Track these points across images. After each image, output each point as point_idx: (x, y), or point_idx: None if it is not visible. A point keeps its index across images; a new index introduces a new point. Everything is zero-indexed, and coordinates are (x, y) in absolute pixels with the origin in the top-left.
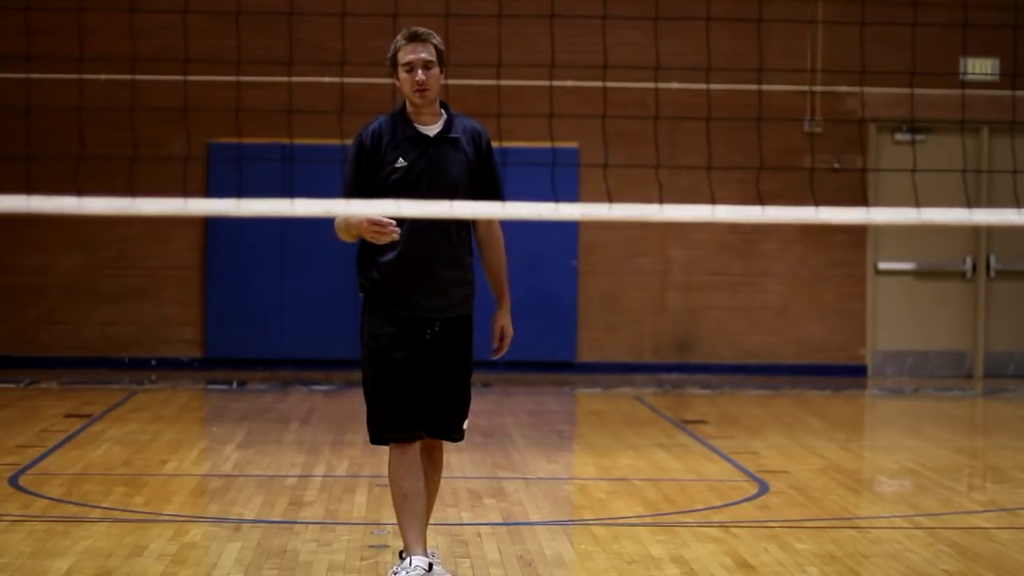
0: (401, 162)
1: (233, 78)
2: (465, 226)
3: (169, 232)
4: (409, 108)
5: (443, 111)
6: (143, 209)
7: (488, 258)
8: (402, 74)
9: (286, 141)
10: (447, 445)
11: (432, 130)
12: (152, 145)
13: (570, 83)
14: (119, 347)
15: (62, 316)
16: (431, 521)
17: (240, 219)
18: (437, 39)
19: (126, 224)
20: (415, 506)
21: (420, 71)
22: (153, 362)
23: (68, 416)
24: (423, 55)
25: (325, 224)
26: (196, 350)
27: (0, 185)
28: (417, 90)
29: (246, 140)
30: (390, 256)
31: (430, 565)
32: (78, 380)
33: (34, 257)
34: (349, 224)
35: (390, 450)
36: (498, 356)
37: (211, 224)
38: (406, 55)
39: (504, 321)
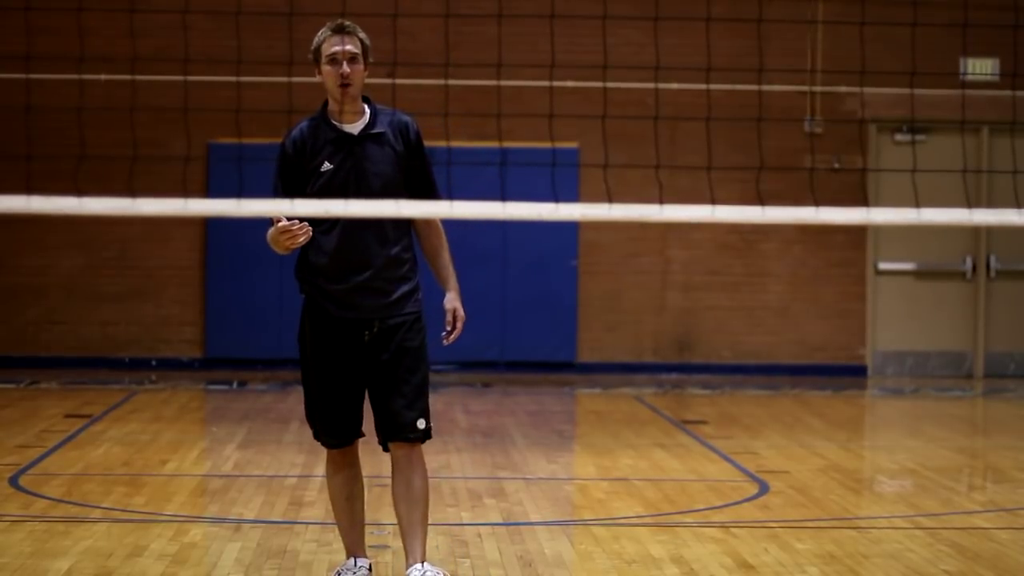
0: (327, 165)
1: (233, 78)
2: (402, 224)
3: (169, 232)
4: (331, 106)
5: (366, 107)
6: (143, 209)
7: (427, 246)
8: (325, 67)
9: None
10: (446, 445)
11: (355, 128)
12: (152, 145)
13: (570, 83)
14: (119, 347)
15: (62, 316)
16: (430, 521)
17: (240, 219)
18: (363, 34)
19: (126, 224)
20: (356, 507)
21: (345, 64)
22: (153, 362)
23: (68, 416)
24: (348, 47)
25: None
26: (196, 350)
27: (0, 185)
28: (340, 84)
29: (246, 140)
30: (323, 258)
31: (370, 566)
32: (78, 380)
33: (34, 257)
34: (270, 243)
35: (327, 452)
36: (450, 340)
37: (211, 224)
38: (331, 47)
39: (455, 304)
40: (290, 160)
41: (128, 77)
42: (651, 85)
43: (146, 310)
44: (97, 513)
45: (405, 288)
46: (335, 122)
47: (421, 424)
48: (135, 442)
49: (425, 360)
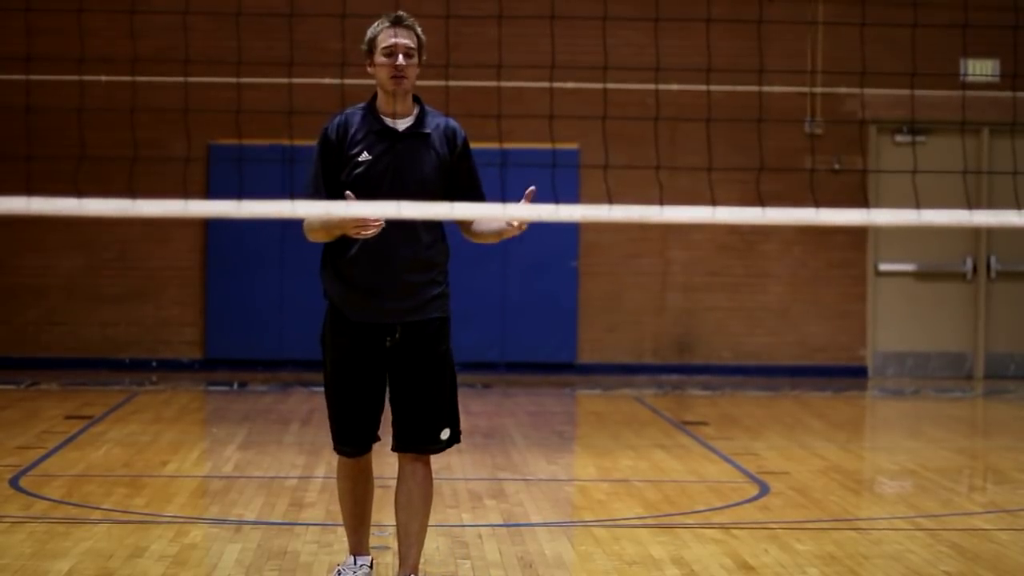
0: (365, 156)
1: (233, 79)
2: (435, 227)
3: (169, 233)
4: (380, 100)
5: (417, 105)
6: (144, 210)
7: (476, 228)
8: (380, 58)
9: (286, 142)
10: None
11: (402, 124)
12: (152, 146)
13: (570, 84)
14: (119, 348)
15: (62, 317)
16: (431, 523)
17: (240, 220)
18: (420, 29)
19: (126, 225)
20: (363, 509)
21: (401, 56)
22: (153, 363)
23: (69, 417)
24: (406, 41)
25: None
26: (196, 351)
27: (0, 186)
28: (394, 76)
29: (246, 141)
30: (349, 257)
31: (371, 563)
32: (78, 381)
33: (34, 257)
34: (328, 224)
35: (340, 456)
36: (513, 232)
37: (211, 225)
38: (388, 38)
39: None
40: (331, 145)
41: (128, 78)
42: (651, 86)
43: (146, 311)
44: (97, 514)
45: (432, 292)
46: (382, 116)
47: (445, 435)
48: (135, 443)
49: (450, 366)
